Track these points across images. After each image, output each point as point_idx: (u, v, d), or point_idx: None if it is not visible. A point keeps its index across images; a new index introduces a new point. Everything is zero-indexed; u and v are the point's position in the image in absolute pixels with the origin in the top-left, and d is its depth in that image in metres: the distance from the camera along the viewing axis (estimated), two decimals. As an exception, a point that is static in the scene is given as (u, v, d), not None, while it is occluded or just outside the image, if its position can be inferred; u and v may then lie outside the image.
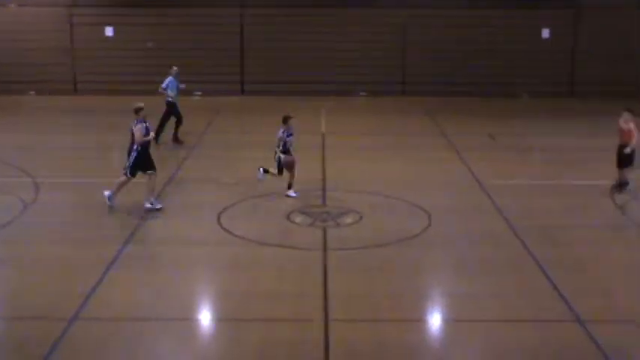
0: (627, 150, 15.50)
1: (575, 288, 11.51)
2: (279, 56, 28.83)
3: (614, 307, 11.08)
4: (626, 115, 15.72)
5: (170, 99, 20.72)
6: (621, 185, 15.94)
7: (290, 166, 15.76)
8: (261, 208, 15.36)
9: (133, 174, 15.00)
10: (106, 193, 15.10)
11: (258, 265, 12.46)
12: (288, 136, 15.71)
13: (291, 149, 15.81)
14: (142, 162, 14.94)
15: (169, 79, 20.81)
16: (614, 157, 16.26)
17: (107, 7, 29.14)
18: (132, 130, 14.95)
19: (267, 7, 29.02)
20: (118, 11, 29.03)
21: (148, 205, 14.94)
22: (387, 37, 28.96)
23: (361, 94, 29.04)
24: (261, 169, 16.06)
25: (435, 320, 10.95)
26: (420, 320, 10.83)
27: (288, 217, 14.73)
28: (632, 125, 15.49)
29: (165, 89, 20.68)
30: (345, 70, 28.80)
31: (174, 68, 21.09)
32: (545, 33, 28.48)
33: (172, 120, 20.83)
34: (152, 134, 15.49)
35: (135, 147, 14.90)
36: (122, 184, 15.13)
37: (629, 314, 10.85)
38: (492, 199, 15.93)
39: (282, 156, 15.68)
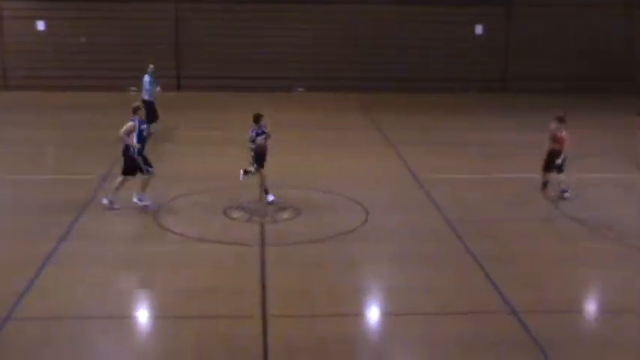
0: (559, 161, 15.63)
1: (510, 280, 11.75)
2: (218, 51, 28.65)
3: (546, 298, 11.34)
4: (556, 124, 15.85)
5: (147, 97, 20.41)
6: (545, 184, 16.16)
7: (262, 153, 15.34)
8: (198, 204, 15.27)
9: (126, 174, 14.83)
10: (135, 199, 14.83)
11: (196, 262, 12.39)
12: (257, 134, 15.15)
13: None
14: (131, 163, 14.76)
15: (146, 77, 20.59)
16: (541, 151, 16.54)
17: (39, 1, 28.56)
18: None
19: (203, 1, 28.82)
20: (50, 5, 28.47)
21: (136, 200, 14.88)
22: (325, 33, 29.05)
23: (299, 89, 29.08)
24: (241, 170, 15.47)
25: (373, 314, 11.05)
26: (359, 315, 10.92)
27: (225, 213, 14.68)
28: (564, 133, 15.69)
29: (147, 89, 20.53)
30: (282, 66, 28.79)
31: (151, 66, 20.85)
32: (479, 29, 28.91)
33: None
34: (136, 144, 14.77)
35: (130, 147, 14.65)
36: (145, 184, 14.95)
37: (561, 305, 11.13)
38: (429, 193, 16.14)
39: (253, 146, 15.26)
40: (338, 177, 17.29)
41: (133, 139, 14.64)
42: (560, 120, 15.83)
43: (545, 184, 16.08)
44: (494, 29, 28.89)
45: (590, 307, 11.66)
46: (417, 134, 22.09)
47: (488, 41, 28.90)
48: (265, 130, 15.23)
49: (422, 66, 28.52)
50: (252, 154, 15.27)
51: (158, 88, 20.99)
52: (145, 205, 14.87)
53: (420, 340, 10.10)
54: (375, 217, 14.62)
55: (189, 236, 13.50)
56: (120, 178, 14.93)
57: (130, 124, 14.67)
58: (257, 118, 15.29)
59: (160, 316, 10.78)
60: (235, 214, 14.67)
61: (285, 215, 14.71)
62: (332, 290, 11.44)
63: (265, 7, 28.78)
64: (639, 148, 18.41)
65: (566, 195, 15.73)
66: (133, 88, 28.22)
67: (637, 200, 16.13)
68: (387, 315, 10.96)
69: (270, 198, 15.26)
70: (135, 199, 14.88)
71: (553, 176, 15.92)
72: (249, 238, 13.47)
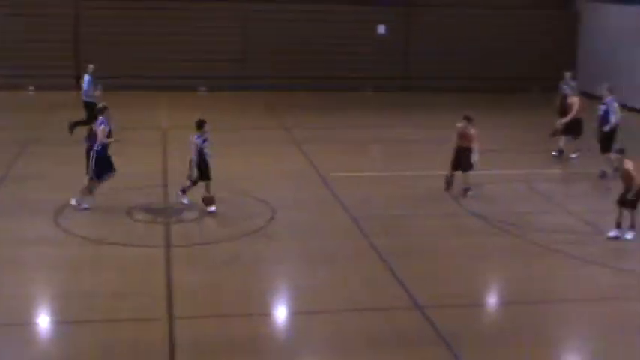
0: (474, 158, 15.91)
1: (415, 276, 11.92)
2: (119, 49, 27.97)
3: (450, 292, 11.56)
4: (464, 123, 16.12)
5: (89, 99, 19.67)
6: (449, 182, 16.40)
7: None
8: (100, 205, 14.89)
9: (99, 177, 14.61)
10: (73, 202, 14.51)
11: (99, 265, 12.10)
12: (203, 142, 14.49)
13: (208, 157, 14.58)
14: (104, 163, 14.57)
15: (86, 77, 19.91)
16: (446, 149, 16.84)
17: None
18: (94, 129, 14.59)
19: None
20: None
21: (74, 202, 14.53)
22: (228, 32, 28.82)
23: (201, 89, 28.76)
24: (179, 192, 14.75)
25: (281, 313, 11.04)
26: (267, 314, 10.88)
27: (129, 215, 14.40)
28: (473, 131, 15.96)
29: (85, 89, 19.85)
30: (185, 65, 28.39)
31: (91, 66, 20.13)
32: (381, 29, 29.25)
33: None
34: (111, 139, 14.76)
35: (95, 147, 14.43)
36: (88, 188, 14.60)
37: (464, 299, 11.37)
38: (334, 191, 16.23)
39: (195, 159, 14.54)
40: (243, 177, 17.19)
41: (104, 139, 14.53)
42: (468, 119, 16.17)
43: (449, 182, 16.32)
44: (396, 29, 29.26)
45: (492, 299, 11.97)
46: (322, 133, 22.17)
47: (391, 40, 29.26)
48: (208, 138, 14.59)
49: (326, 65, 28.62)
50: (196, 165, 14.48)
51: (99, 90, 20.16)
52: (84, 208, 14.51)
53: (329, 337, 10.14)
54: (281, 215, 14.61)
55: (90, 238, 13.18)
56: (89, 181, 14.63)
57: (102, 127, 14.47)
58: (201, 124, 14.48)
59: (61, 321, 10.47)
60: (140, 216, 14.41)
61: (191, 215, 14.53)
62: (240, 290, 11.38)
63: (167, 5, 28.37)
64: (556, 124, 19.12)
65: (469, 193, 16.05)
66: (31, 87, 27.46)
67: (538, 196, 16.59)
68: (295, 313, 10.96)
69: (183, 201, 14.91)
70: (73, 202, 14.54)
71: (458, 174, 16.21)
72: (154, 239, 13.25)
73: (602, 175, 17.56)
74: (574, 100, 19.51)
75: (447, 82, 28.71)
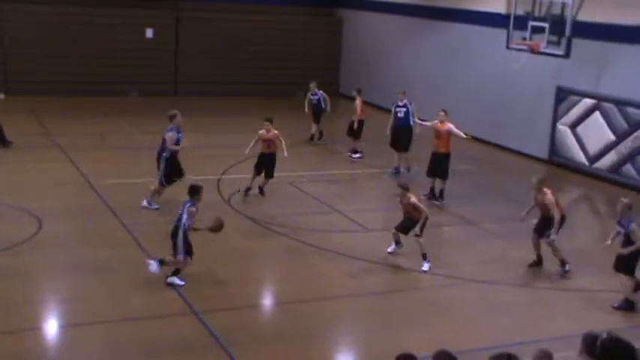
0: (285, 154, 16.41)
1: (190, 280, 11.90)
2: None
3: (225, 295, 11.70)
4: (267, 125, 16.40)
5: None
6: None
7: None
8: None
9: (168, 182, 15.20)
10: (144, 203, 15.21)
11: None
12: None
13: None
14: (173, 169, 15.15)
15: None
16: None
17: None
18: (164, 136, 15.11)
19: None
20: None
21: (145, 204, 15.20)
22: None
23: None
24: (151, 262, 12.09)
25: (51, 327, 10.62)
26: (35, 328, 10.42)
27: None
28: (271, 134, 16.33)
29: None
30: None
31: None
32: (149, 33, 28.82)
33: None
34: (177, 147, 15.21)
35: (164, 154, 14.97)
36: (157, 192, 15.28)
37: (240, 301, 11.54)
38: (104, 198, 15.83)
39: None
40: (6, 186, 16.32)
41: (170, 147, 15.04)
42: (270, 121, 16.55)
43: (249, 188, 16.61)
44: (164, 33, 28.94)
45: (267, 300, 12.25)
46: (89, 140, 21.39)
47: (159, 45, 28.89)
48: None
49: (96, 69, 27.64)
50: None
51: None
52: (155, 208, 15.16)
53: (103, 349, 9.92)
54: (48, 226, 14.03)
55: None
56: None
57: (170, 134, 15.07)
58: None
59: None
60: None
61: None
62: (5, 305, 10.81)
63: None
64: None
65: (251, 192, 16.48)
66: None
67: (309, 197, 17.09)
68: (65, 326, 10.58)
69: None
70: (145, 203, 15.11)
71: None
72: None
73: (408, 169, 18.89)
74: (357, 103, 20.50)
75: (216, 86, 28.82)
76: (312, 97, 22.02)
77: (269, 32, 29.86)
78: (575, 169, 20.46)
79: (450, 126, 16.77)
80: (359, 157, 20.51)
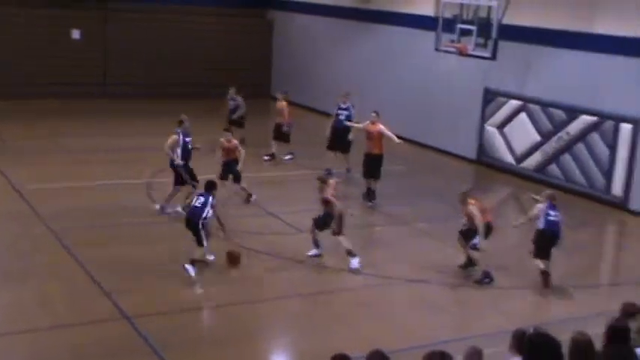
0: (240, 167, 16.22)
1: (121, 286, 11.77)
2: None
3: (157, 299, 11.57)
4: (226, 138, 16.39)
5: None
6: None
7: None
8: None
9: (194, 179, 15.31)
10: (178, 209, 15.02)
11: None
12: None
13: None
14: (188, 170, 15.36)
15: None
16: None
17: None
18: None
19: None
20: None
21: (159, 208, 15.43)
22: None
23: None
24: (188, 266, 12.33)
25: (-23, 336, 10.35)
26: (-40, 338, 10.15)
27: None
28: (180, 138, 16.08)
29: None
30: None
31: None
32: (76, 34, 28.28)
33: None
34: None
35: (176, 162, 15.13)
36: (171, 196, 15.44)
37: (173, 306, 11.44)
38: (31, 203, 15.49)
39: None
40: None
41: (177, 153, 15.09)
42: (227, 130, 16.71)
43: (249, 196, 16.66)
44: (91, 34, 28.44)
45: (200, 304, 12.17)
46: (11, 145, 20.77)
47: (86, 46, 28.37)
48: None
49: (24, 71, 26.96)
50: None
51: None
52: (175, 212, 15.06)
53: (34, 358, 9.70)
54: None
55: None
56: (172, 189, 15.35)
57: (174, 137, 15.13)
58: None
59: None
60: None
61: None
62: None
63: None
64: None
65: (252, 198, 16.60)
66: None
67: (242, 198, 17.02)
68: (-7, 335, 10.33)
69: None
70: (179, 208, 14.97)
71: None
72: None
73: (348, 170, 19.11)
74: (282, 105, 20.39)
75: (146, 88, 28.44)
76: (230, 102, 21.63)
77: (199, 34, 29.64)
78: (502, 168, 20.88)
79: (382, 127, 16.94)
80: (290, 159, 20.52)
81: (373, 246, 15.05)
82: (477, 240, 12.97)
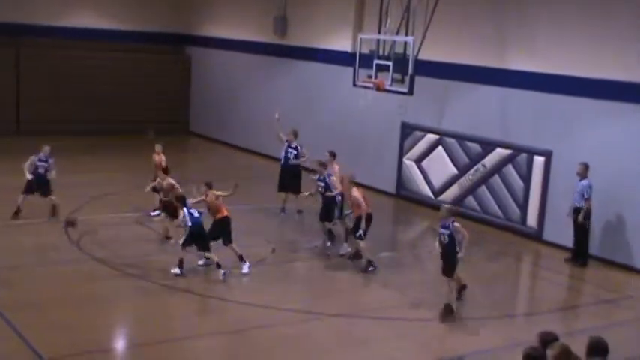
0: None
1: (38, 327, 11.43)
2: None
3: (78, 340, 11.22)
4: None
5: None
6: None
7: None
8: None
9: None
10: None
11: None
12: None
13: None
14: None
15: None
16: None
17: None
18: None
19: None
20: None
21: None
22: None
23: None
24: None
25: None
26: None
27: None
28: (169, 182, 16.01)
29: None
30: None
31: None
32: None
33: None
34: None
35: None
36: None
37: (92, 345, 11.13)
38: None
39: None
40: None
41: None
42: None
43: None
44: (3, 70, 27.78)
45: (120, 343, 11.87)
46: None
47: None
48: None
49: None
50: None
51: None
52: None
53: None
54: None
55: None
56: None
57: (32, 158, 16.55)
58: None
59: None
60: None
61: None
62: None
63: None
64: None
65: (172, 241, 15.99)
66: None
67: (155, 235, 16.75)
68: None
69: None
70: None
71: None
72: None
73: (299, 212, 19.20)
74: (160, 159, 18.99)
75: (63, 125, 27.73)
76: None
77: (116, 71, 29.37)
78: (421, 202, 21.16)
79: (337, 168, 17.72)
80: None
81: (294, 281, 14.98)
82: (361, 231, 14.56)
